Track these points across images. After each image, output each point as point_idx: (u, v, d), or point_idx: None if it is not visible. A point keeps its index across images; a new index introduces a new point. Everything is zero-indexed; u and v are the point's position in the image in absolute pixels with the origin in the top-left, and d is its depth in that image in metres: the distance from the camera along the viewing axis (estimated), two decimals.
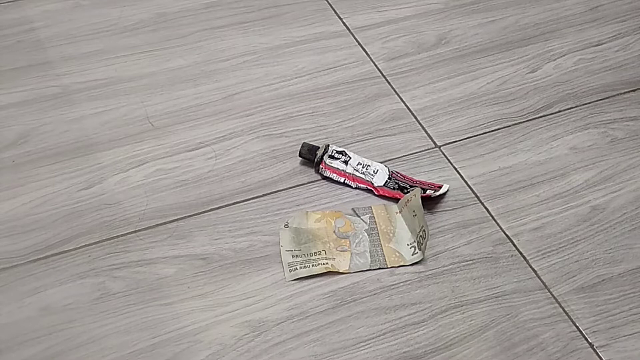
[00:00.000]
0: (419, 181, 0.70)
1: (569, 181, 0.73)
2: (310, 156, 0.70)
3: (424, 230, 0.63)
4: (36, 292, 0.59)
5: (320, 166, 0.70)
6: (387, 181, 0.69)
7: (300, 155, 0.71)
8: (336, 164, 0.70)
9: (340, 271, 0.62)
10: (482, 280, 0.64)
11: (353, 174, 0.70)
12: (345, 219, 0.67)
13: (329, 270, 0.62)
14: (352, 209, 0.67)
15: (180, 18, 0.86)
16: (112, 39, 0.83)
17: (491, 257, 0.66)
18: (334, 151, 0.71)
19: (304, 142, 0.71)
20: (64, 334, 0.57)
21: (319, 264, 0.62)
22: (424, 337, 0.59)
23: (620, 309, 0.63)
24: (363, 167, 0.70)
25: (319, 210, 0.67)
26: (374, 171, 0.70)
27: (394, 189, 0.69)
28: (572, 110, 0.81)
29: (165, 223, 0.65)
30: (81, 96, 0.76)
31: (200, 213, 0.66)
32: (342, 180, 0.70)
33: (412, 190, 0.67)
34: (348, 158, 0.70)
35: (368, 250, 0.64)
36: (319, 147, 0.71)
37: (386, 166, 0.71)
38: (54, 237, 0.63)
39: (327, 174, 0.70)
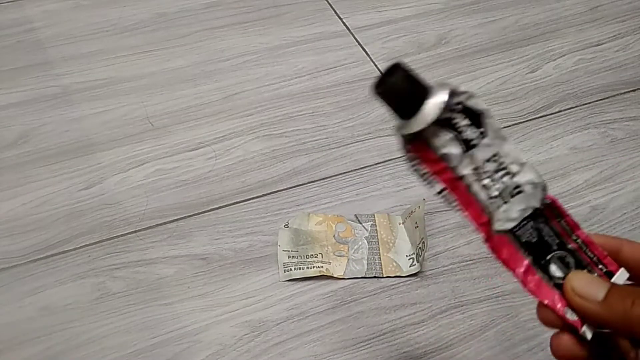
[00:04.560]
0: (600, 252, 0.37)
1: (569, 181, 0.73)
2: (404, 101, 0.33)
3: (423, 242, 0.63)
4: (36, 292, 0.59)
5: (409, 148, 0.34)
6: (522, 224, 0.35)
7: (379, 92, 0.32)
8: (443, 140, 0.33)
9: (335, 276, 0.62)
10: (482, 280, 0.64)
11: (466, 178, 0.34)
12: (347, 224, 0.66)
13: (322, 274, 0.62)
14: (355, 215, 0.67)
15: (180, 18, 0.86)
16: (112, 39, 0.83)
17: (491, 257, 0.65)
18: (458, 106, 0.33)
19: (395, 65, 0.32)
20: (64, 334, 0.57)
21: (313, 266, 0.62)
22: (424, 337, 0.59)
23: None
24: (497, 172, 0.34)
25: (320, 210, 0.67)
26: (512, 190, 0.34)
27: (526, 245, 0.36)
28: (572, 110, 0.81)
29: (165, 223, 0.65)
30: (81, 96, 0.76)
31: (200, 213, 0.66)
32: (431, 180, 0.34)
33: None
34: (478, 138, 0.33)
35: (365, 258, 0.64)
36: (428, 89, 0.33)
37: (542, 187, 0.35)
38: (54, 237, 0.63)
39: (415, 165, 0.34)
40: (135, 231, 0.64)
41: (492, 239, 0.36)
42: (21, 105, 0.75)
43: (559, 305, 0.35)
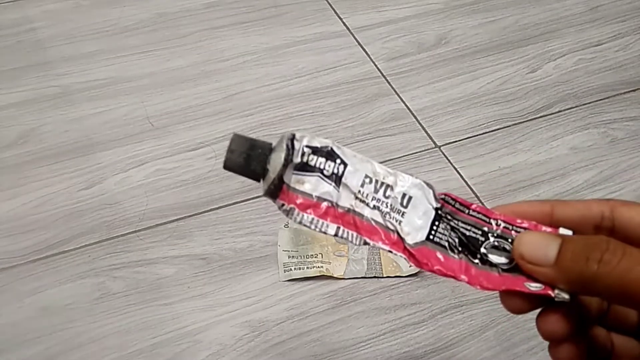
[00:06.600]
0: (508, 219, 0.33)
1: (569, 181, 0.73)
2: (251, 166, 0.33)
3: None
4: (36, 292, 0.59)
5: (281, 204, 0.33)
6: (433, 229, 0.33)
7: (227, 167, 0.33)
8: (311, 184, 0.33)
9: (335, 276, 0.62)
10: None
11: (353, 209, 0.33)
12: None
13: (322, 274, 0.62)
14: None
15: (180, 18, 0.86)
16: (112, 39, 0.83)
17: None
18: (307, 149, 0.33)
19: (232, 137, 0.33)
20: (64, 334, 0.57)
21: (313, 266, 0.62)
22: (424, 337, 0.59)
23: None
24: (378, 191, 0.33)
25: None
26: (401, 200, 0.33)
27: (452, 247, 0.33)
28: (572, 110, 0.81)
29: (165, 223, 0.65)
30: (81, 96, 0.76)
31: (200, 213, 0.66)
32: (322, 225, 0.33)
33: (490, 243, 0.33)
34: (340, 168, 0.33)
35: (365, 258, 0.64)
36: (269, 145, 0.33)
37: (426, 185, 0.33)
38: (54, 237, 0.63)
39: (298, 216, 0.33)
40: (135, 231, 0.64)
41: (414, 254, 0.33)
42: (21, 105, 0.75)
43: (518, 285, 0.31)
